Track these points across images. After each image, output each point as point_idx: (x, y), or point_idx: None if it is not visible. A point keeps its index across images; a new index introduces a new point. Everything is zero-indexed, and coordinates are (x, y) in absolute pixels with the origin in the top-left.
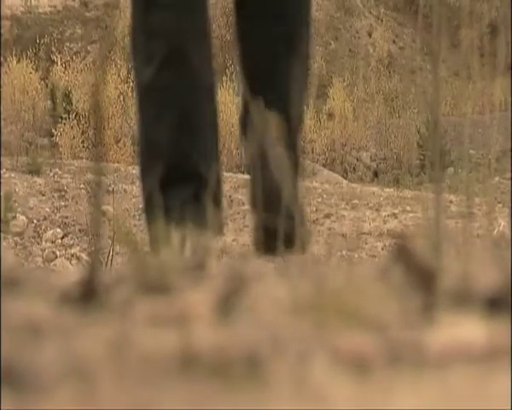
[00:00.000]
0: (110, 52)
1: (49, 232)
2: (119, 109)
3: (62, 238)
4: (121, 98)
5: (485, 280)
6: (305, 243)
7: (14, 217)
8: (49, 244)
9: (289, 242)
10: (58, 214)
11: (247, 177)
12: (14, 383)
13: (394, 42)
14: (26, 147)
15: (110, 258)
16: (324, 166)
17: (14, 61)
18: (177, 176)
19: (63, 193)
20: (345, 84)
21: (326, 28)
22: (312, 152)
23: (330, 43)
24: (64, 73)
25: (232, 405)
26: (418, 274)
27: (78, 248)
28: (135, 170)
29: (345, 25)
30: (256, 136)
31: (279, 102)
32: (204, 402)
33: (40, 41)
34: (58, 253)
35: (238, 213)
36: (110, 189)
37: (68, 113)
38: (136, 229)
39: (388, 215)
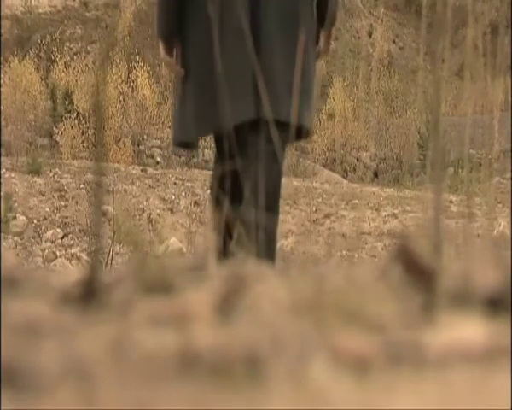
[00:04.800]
0: (110, 52)
1: (49, 232)
2: (119, 109)
3: (62, 238)
4: (121, 98)
5: (485, 280)
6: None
7: (14, 217)
8: (49, 244)
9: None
10: (58, 214)
11: None
12: (14, 383)
13: (394, 42)
14: (26, 147)
15: (110, 258)
16: (324, 166)
17: (15, 61)
18: None
19: (63, 193)
20: (345, 84)
21: None
22: (312, 152)
23: (330, 43)
24: (64, 73)
25: (232, 405)
26: (418, 274)
27: (78, 248)
28: (135, 170)
29: (345, 25)
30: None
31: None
32: (204, 402)
33: (40, 41)
34: (58, 253)
35: None
36: (110, 189)
37: (69, 113)
38: (136, 229)
39: (388, 215)
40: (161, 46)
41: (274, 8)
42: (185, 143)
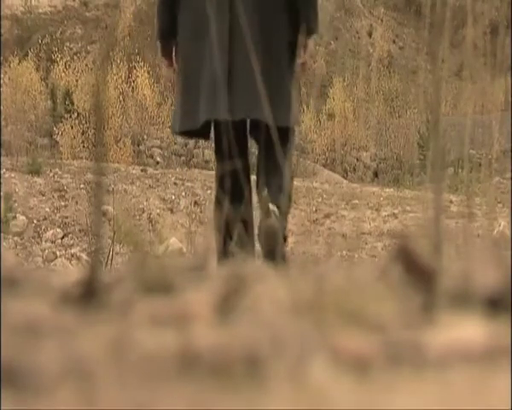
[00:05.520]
0: (110, 52)
1: (49, 232)
2: (119, 109)
3: (62, 238)
4: (121, 98)
5: (485, 280)
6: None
7: (14, 217)
8: (49, 244)
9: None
10: (58, 214)
11: None
12: (14, 383)
13: (394, 42)
14: (26, 147)
15: (110, 258)
16: (324, 166)
17: (15, 61)
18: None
19: (63, 193)
20: (345, 84)
21: (326, 28)
22: (312, 152)
23: (330, 43)
24: (64, 73)
25: (232, 405)
26: (418, 274)
27: (78, 248)
28: (135, 170)
29: (345, 25)
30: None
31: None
32: (204, 402)
33: (40, 41)
34: (58, 253)
35: None
36: (110, 189)
37: (69, 113)
38: (136, 229)
39: (388, 215)
40: (159, 47)
41: (252, 15)
42: (180, 132)
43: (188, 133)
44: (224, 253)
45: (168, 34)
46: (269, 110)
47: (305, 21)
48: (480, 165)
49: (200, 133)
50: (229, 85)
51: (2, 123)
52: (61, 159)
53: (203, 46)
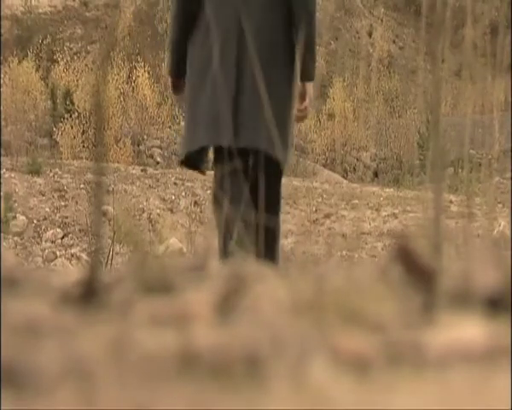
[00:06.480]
0: (110, 52)
1: (49, 232)
2: (119, 109)
3: (62, 238)
4: (121, 98)
5: (485, 280)
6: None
7: (14, 217)
8: (49, 244)
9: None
10: (58, 214)
11: None
12: (14, 383)
13: (394, 42)
14: (26, 147)
15: (110, 258)
16: (324, 166)
17: (15, 61)
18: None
19: (63, 193)
20: (345, 84)
21: (326, 28)
22: (312, 152)
23: (330, 43)
24: (64, 73)
25: (232, 405)
26: (418, 274)
27: (78, 248)
28: (135, 170)
29: (345, 25)
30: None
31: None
32: (204, 402)
33: (41, 41)
34: (58, 253)
35: None
36: (110, 189)
37: (69, 113)
38: (136, 229)
39: (388, 215)
40: (170, 82)
41: (256, 50)
42: (186, 163)
43: (188, 164)
44: (224, 252)
45: (179, 72)
46: (274, 142)
47: (302, 68)
48: (480, 165)
49: (198, 163)
50: (234, 113)
51: (2, 123)
52: (61, 159)
53: (208, 76)
